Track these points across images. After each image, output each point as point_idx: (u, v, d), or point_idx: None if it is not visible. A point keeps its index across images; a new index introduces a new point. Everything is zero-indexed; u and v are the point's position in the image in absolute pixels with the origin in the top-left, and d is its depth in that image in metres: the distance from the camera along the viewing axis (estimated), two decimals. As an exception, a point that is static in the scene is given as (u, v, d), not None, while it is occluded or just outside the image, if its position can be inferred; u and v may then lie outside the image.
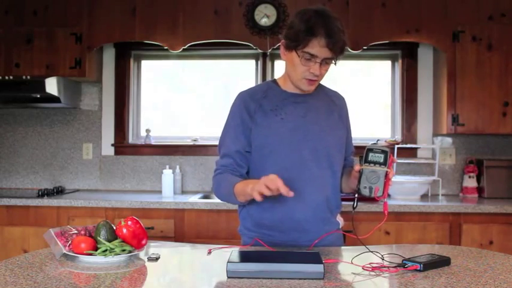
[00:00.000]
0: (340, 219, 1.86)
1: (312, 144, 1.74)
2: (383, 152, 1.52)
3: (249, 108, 1.76)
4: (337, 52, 1.64)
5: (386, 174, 1.52)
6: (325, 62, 1.66)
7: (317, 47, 1.62)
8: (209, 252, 1.61)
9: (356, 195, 1.56)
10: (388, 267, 1.40)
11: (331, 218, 1.80)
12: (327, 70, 1.70)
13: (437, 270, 1.39)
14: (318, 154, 1.74)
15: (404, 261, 1.41)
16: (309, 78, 1.69)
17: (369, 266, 1.41)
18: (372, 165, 1.52)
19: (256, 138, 1.76)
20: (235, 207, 2.94)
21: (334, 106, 1.86)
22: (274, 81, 1.86)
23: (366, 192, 1.52)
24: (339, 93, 1.93)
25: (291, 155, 1.72)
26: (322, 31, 1.60)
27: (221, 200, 1.81)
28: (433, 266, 1.41)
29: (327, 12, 1.65)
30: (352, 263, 1.46)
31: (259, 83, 3.70)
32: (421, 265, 1.38)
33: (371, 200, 3.05)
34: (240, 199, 1.66)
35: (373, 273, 1.36)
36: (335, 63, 1.69)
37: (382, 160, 1.52)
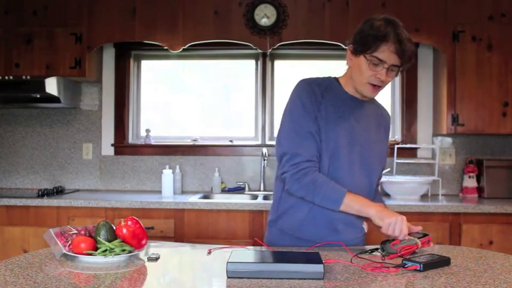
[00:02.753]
0: (365, 224, 1.86)
1: (359, 150, 1.75)
2: (425, 235, 1.63)
3: (316, 95, 1.73)
4: (405, 60, 1.65)
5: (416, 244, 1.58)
6: (391, 69, 1.67)
7: (387, 52, 1.63)
8: (209, 252, 1.61)
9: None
10: (388, 267, 1.40)
11: (359, 223, 1.81)
12: (392, 78, 1.70)
13: (437, 270, 1.39)
14: (363, 161, 1.76)
15: (404, 261, 1.41)
16: (374, 83, 1.69)
17: (369, 266, 1.41)
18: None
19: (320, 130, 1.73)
20: (235, 207, 2.96)
21: (382, 120, 1.89)
22: (336, 79, 1.84)
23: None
24: (386, 109, 1.96)
25: (342, 156, 1.72)
26: (393, 37, 1.61)
27: (304, 196, 1.70)
28: (433, 266, 1.41)
29: (396, 21, 1.66)
30: (352, 262, 1.46)
31: (259, 83, 3.70)
32: (421, 265, 1.38)
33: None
34: (344, 209, 1.66)
35: (373, 273, 1.36)
36: (401, 72, 1.71)
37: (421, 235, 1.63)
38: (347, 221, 1.74)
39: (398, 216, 1.60)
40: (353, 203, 1.65)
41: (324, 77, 1.84)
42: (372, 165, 1.80)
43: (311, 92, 1.73)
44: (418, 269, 1.38)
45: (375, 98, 1.88)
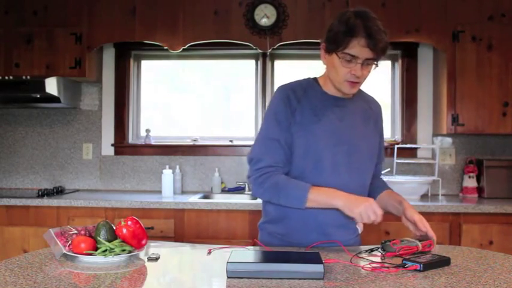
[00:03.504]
0: (360, 225, 1.84)
1: (346, 150, 1.72)
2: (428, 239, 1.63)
3: (291, 103, 1.71)
4: (379, 52, 1.61)
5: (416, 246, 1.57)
6: (367, 63, 1.63)
7: (357, 47, 1.59)
8: (209, 252, 1.61)
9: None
10: (388, 267, 1.40)
11: (351, 224, 1.78)
12: (369, 72, 1.68)
13: (437, 270, 1.39)
14: (350, 160, 1.72)
15: (404, 261, 1.41)
16: (351, 80, 1.66)
17: (368, 266, 1.41)
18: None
19: (293, 137, 1.71)
20: (236, 207, 2.96)
21: (371, 112, 1.84)
22: (315, 79, 1.81)
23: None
24: (376, 100, 1.92)
25: (324, 159, 1.69)
26: (362, 31, 1.58)
27: (269, 199, 1.72)
28: (433, 266, 1.41)
29: (366, 13, 1.63)
30: (351, 262, 1.46)
31: (259, 83, 3.70)
32: (421, 265, 1.38)
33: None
34: (311, 205, 1.64)
35: (373, 273, 1.36)
36: (377, 65, 1.66)
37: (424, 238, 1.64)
38: (337, 223, 1.72)
39: (365, 201, 1.59)
40: (319, 197, 1.63)
41: (303, 79, 1.83)
42: (362, 162, 1.77)
43: (286, 99, 1.72)
44: (418, 269, 1.38)
45: (363, 91, 1.87)
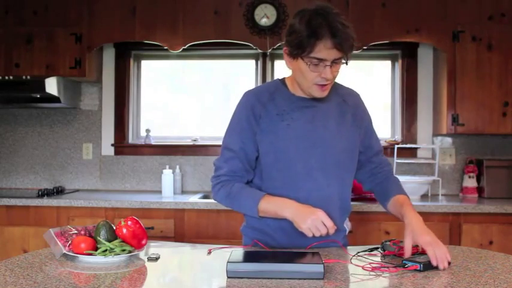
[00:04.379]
0: (347, 224, 1.80)
1: (320, 152, 1.65)
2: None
3: (255, 111, 1.66)
4: (347, 50, 1.52)
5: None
6: (335, 63, 1.55)
7: (324, 50, 1.50)
8: (209, 252, 1.61)
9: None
10: (388, 267, 1.40)
11: (338, 226, 1.71)
12: (338, 70, 1.58)
13: (437, 270, 1.39)
14: (326, 162, 1.66)
15: (404, 261, 1.41)
16: (321, 83, 1.58)
17: (368, 266, 1.41)
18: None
19: (260, 145, 1.67)
20: (235, 207, 2.96)
21: (346, 107, 1.74)
22: (283, 81, 1.74)
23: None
24: (352, 90, 1.81)
25: (296, 163, 1.64)
26: (327, 31, 1.48)
27: (227, 207, 1.73)
28: (433, 266, 1.40)
29: (327, 9, 1.53)
30: (351, 262, 1.46)
31: (259, 83, 3.70)
32: (421, 265, 1.38)
33: (373, 200, 3.05)
34: (263, 215, 1.61)
35: (373, 273, 1.36)
36: (346, 63, 1.57)
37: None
38: None
39: (312, 214, 1.50)
40: (269, 208, 1.58)
41: (271, 82, 1.78)
42: (340, 163, 1.68)
43: (249, 107, 1.67)
44: (418, 269, 1.38)
45: (336, 84, 1.75)
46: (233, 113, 1.75)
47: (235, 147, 1.69)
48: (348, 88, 1.81)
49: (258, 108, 1.67)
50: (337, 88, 1.76)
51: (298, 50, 1.54)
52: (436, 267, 1.40)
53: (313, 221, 1.50)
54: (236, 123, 1.71)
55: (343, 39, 1.50)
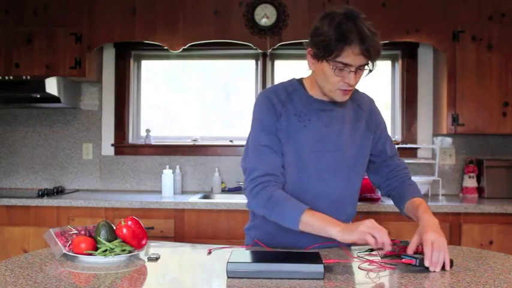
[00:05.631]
0: None
1: (332, 156, 1.64)
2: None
3: (276, 108, 1.64)
4: (373, 57, 1.51)
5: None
6: (360, 69, 1.54)
7: (351, 56, 1.49)
8: (209, 252, 1.61)
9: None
10: (385, 262, 1.39)
11: None
12: (361, 77, 1.57)
13: (436, 271, 1.39)
14: (338, 167, 1.65)
15: (402, 255, 1.40)
16: (344, 88, 1.56)
17: (368, 266, 1.41)
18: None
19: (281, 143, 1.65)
20: (236, 207, 2.96)
21: (361, 112, 1.73)
22: (300, 81, 1.72)
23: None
24: (366, 95, 1.80)
25: (308, 166, 1.63)
26: (356, 37, 1.46)
27: (263, 214, 1.62)
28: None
29: (356, 14, 1.50)
30: (351, 261, 1.45)
31: (259, 83, 3.70)
32: (417, 260, 1.36)
33: (374, 200, 3.05)
34: (304, 228, 1.51)
35: (373, 273, 1.36)
36: (371, 70, 1.55)
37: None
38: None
39: (360, 224, 1.40)
40: (313, 222, 1.49)
41: (287, 82, 1.73)
42: (352, 167, 1.68)
43: (270, 105, 1.64)
44: (414, 263, 1.36)
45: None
46: (253, 113, 1.70)
47: (269, 143, 1.62)
48: (362, 93, 1.81)
49: (278, 106, 1.65)
50: (352, 93, 1.72)
51: (325, 52, 1.52)
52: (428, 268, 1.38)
53: (365, 227, 1.40)
54: (261, 122, 1.66)
55: (371, 46, 1.48)
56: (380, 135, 1.77)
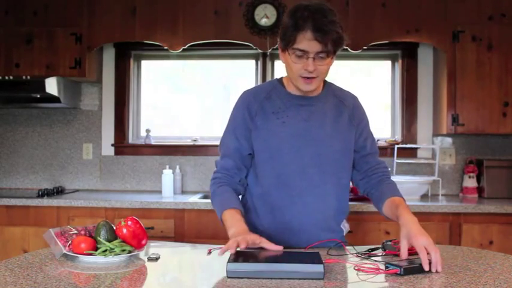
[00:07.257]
0: (345, 225, 1.79)
1: (314, 150, 1.66)
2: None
3: (250, 109, 1.70)
4: (328, 44, 1.52)
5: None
6: (320, 57, 1.56)
7: (305, 41, 1.53)
8: (209, 252, 1.60)
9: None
10: (369, 268, 1.37)
11: (333, 226, 1.73)
12: (325, 66, 1.59)
13: (435, 271, 1.38)
14: (321, 160, 1.66)
15: (386, 265, 1.35)
16: (305, 76, 1.59)
17: (369, 266, 1.40)
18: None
19: (255, 142, 1.69)
20: (235, 207, 2.96)
21: (343, 107, 1.74)
22: (280, 80, 1.76)
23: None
24: (350, 93, 1.81)
25: (290, 161, 1.65)
26: (309, 24, 1.51)
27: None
28: (418, 270, 1.34)
29: (317, 6, 1.54)
30: (351, 261, 1.46)
31: (259, 83, 3.70)
32: (402, 269, 1.31)
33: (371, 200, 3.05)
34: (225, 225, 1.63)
35: (373, 273, 1.36)
36: (332, 58, 1.58)
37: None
38: (312, 228, 1.67)
39: (238, 235, 1.46)
40: (224, 222, 1.62)
41: (268, 82, 1.81)
42: (336, 160, 1.69)
43: (245, 105, 1.72)
44: (399, 273, 1.31)
45: (334, 87, 1.77)
46: (231, 112, 1.79)
47: (229, 145, 1.74)
48: (346, 91, 1.82)
49: (253, 106, 1.70)
50: (335, 90, 1.78)
51: (283, 41, 1.59)
52: (420, 272, 1.35)
53: (236, 240, 1.44)
54: (231, 122, 1.76)
55: (324, 32, 1.51)
56: (362, 130, 1.78)
